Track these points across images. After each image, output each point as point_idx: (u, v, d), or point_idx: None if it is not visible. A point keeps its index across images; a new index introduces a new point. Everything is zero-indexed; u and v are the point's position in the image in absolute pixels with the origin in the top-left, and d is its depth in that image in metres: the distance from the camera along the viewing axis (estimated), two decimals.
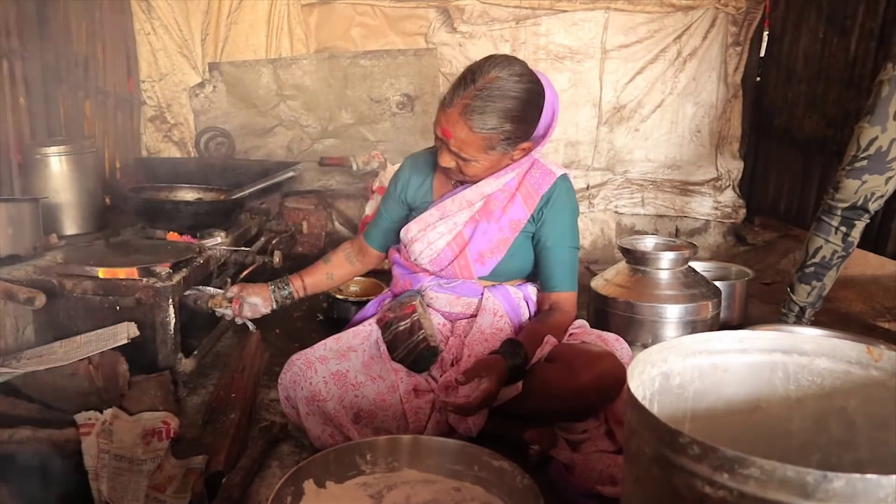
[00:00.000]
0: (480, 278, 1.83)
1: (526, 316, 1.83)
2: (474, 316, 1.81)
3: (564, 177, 1.82)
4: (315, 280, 2.02)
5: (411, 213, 1.91)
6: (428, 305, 1.84)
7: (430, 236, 1.81)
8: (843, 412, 1.07)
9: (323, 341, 1.77)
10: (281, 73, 3.86)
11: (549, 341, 1.68)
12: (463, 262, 1.80)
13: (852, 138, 2.27)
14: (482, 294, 1.82)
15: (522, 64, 1.65)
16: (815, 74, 3.64)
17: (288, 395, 1.68)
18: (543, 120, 1.73)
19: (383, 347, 1.77)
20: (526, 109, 1.63)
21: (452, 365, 1.75)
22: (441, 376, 1.74)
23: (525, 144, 1.70)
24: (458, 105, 1.59)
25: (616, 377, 1.54)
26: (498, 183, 1.78)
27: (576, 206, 1.84)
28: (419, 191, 1.90)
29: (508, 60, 1.63)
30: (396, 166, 3.46)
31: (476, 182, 1.78)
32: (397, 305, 1.80)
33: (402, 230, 1.87)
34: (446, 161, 1.69)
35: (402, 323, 1.74)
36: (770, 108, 4.07)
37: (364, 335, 1.83)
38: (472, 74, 1.61)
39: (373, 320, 1.86)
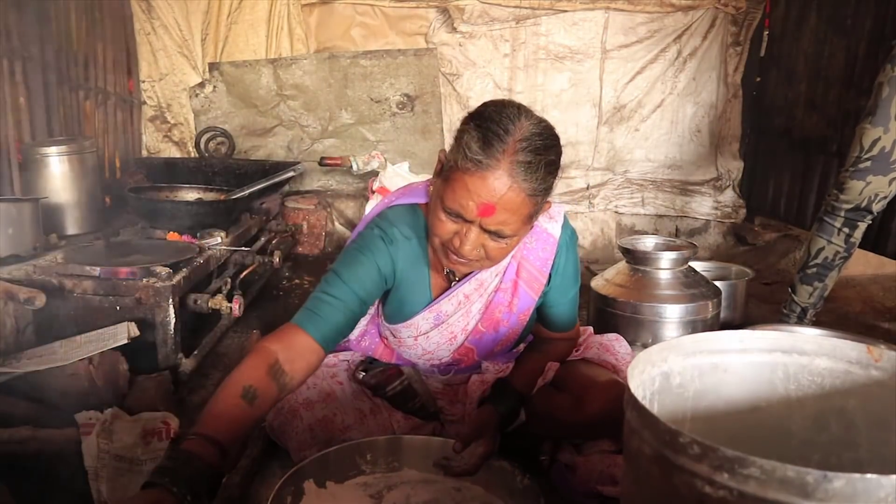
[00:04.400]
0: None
1: None
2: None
3: (566, 227, 1.54)
4: (236, 431, 1.13)
5: (388, 301, 1.56)
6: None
7: (425, 345, 1.58)
8: (843, 412, 1.07)
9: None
10: (281, 73, 3.86)
11: (552, 366, 1.60)
12: (470, 362, 1.66)
13: (855, 140, 2.27)
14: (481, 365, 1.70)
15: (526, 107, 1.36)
16: (815, 74, 3.64)
17: (277, 438, 1.61)
18: None
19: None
20: (559, 158, 1.33)
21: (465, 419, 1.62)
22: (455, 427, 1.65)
23: (547, 205, 1.37)
24: (504, 163, 1.21)
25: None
26: (497, 268, 1.51)
27: (576, 245, 1.59)
28: (415, 288, 1.52)
29: (520, 104, 1.32)
30: (397, 166, 3.49)
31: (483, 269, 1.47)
32: (378, 371, 1.63)
33: (385, 328, 1.61)
34: (472, 249, 1.29)
35: (391, 386, 1.61)
36: (770, 108, 4.07)
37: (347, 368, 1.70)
38: (501, 127, 1.23)
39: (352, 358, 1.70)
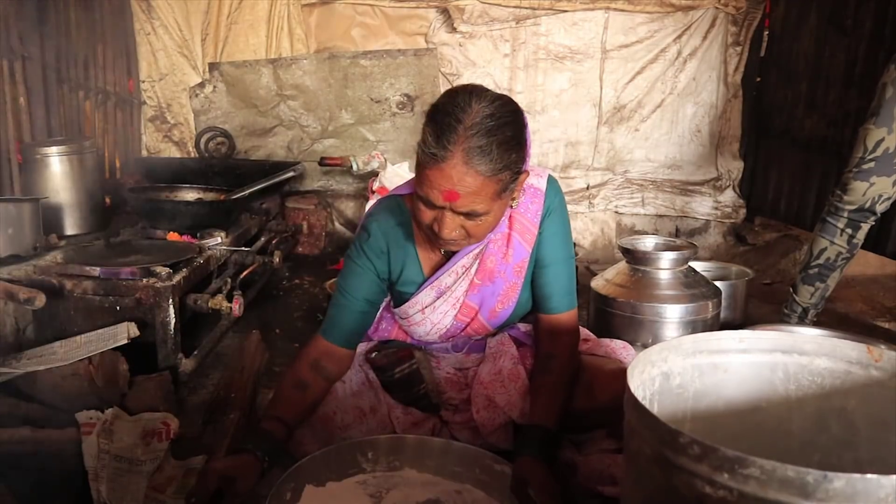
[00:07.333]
0: (495, 328, 1.71)
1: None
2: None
3: (551, 181, 1.60)
4: (296, 413, 1.49)
5: (393, 287, 1.65)
6: (433, 356, 1.72)
7: (432, 318, 1.62)
8: (843, 412, 1.07)
9: None
10: (281, 73, 3.86)
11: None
12: (476, 325, 1.67)
13: (858, 140, 2.27)
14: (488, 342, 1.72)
15: (485, 88, 1.39)
16: (815, 74, 3.63)
17: None
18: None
19: (372, 375, 1.67)
20: (521, 131, 1.37)
21: (477, 412, 1.62)
22: (454, 415, 1.67)
23: (523, 175, 1.42)
24: (457, 153, 1.28)
25: None
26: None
27: (566, 209, 1.63)
28: (406, 268, 1.61)
29: (475, 88, 1.37)
30: (397, 166, 3.49)
31: (477, 243, 1.53)
32: (391, 351, 1.65)
33: (395, 312, 1.68)
34: (450, 231, 1.36)
35: (399, 369, 1.61)
36: (770, 108, 4.07)
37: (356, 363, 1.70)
38: (451, 116, 1.30)
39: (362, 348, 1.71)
